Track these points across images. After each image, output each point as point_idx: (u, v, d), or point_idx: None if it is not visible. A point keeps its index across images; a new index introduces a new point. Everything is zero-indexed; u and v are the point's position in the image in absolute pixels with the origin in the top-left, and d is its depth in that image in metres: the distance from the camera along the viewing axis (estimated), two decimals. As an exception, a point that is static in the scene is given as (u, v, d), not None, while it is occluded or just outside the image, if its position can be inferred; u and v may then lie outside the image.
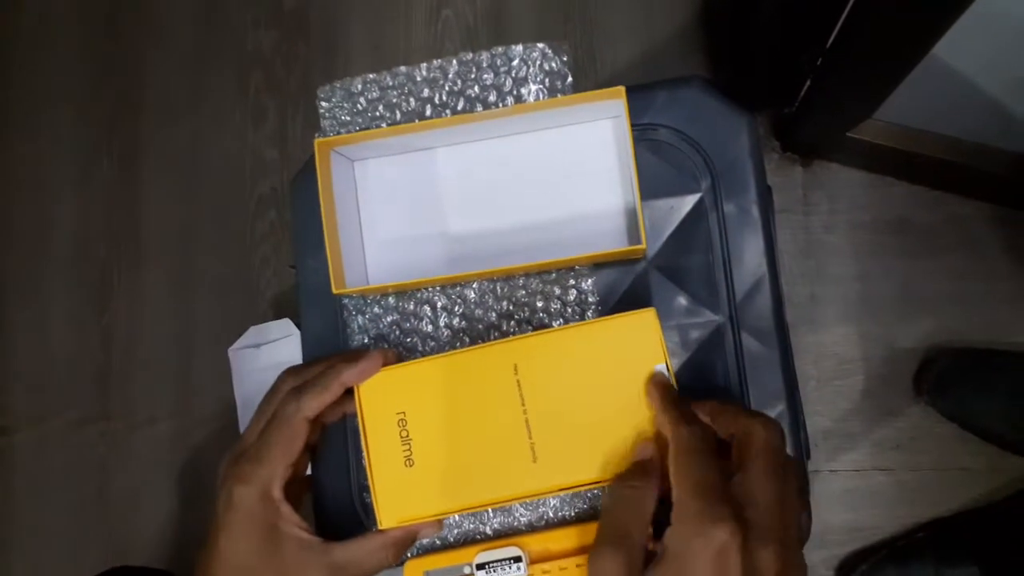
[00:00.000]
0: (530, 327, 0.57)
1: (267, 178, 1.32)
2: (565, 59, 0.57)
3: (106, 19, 1.43)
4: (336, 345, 0.60)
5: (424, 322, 0.58)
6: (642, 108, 0.57)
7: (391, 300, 0.59)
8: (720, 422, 0.42)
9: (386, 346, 0.59)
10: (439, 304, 0.59)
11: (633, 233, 0.55)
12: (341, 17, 1.33)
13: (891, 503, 1.08)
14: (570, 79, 0.57)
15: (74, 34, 1.44)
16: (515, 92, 0.58)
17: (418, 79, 0.59)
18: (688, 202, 0.57)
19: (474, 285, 0.58)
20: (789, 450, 0.55)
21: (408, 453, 0.46)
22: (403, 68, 0.59)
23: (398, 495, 0.46)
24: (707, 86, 0.58)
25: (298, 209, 0.62)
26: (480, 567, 0.53)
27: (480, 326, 0.58)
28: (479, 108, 0.58)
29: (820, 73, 0.94)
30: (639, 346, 0.45)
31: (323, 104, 0.60)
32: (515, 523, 0.56)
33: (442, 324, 0.58)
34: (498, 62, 0.58)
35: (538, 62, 0.58)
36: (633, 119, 0.56)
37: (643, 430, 0.44)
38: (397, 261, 0.58)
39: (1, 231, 1.43)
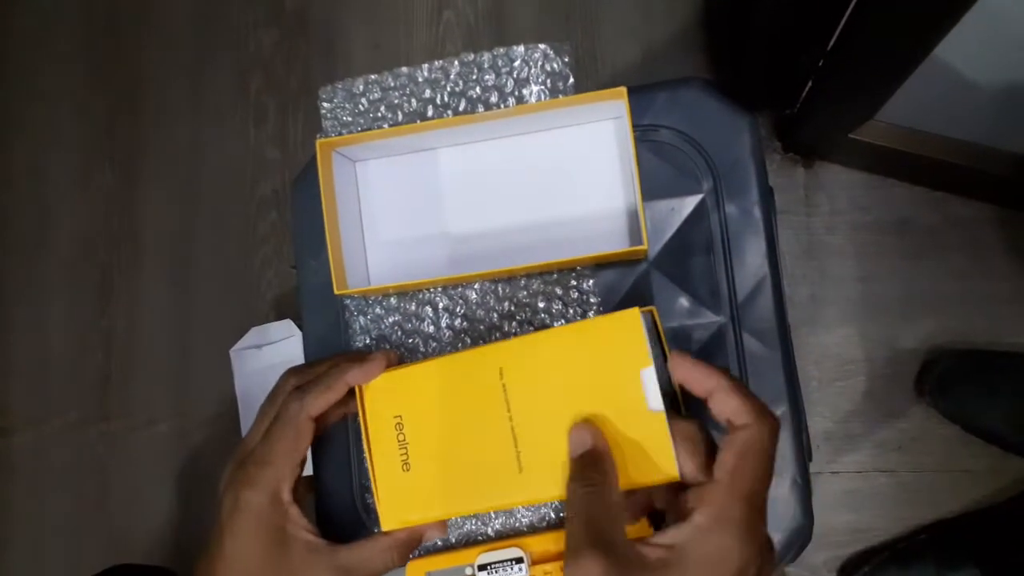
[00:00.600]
0: (531, 328, 0.57)
1: (268, 179, 1.32)
2: (567, 60, 0.57)
3: (106, 19, 1.43)
4: (338, 346, 0.60)
5: (426, 323, 0.58)
6: (643, 109, 0.57)
7: (393, 301, 0.59)
8: (721, 401, 0.38)
9: (388, 347, 0.59)
10: (441, 305, 0.58)
11: (635, 234, 0.55)
12: (342, 17, 1.33)
13: (893, 504, 1.08)
14: (572, 80, 0.57)
15: (74, 35, 1.44)
16: (517, 93, 0.58)
17: (420, 80, 0.59)
18: (690, 203, 0.57)
19: (476, 286, 0.58)
20: (791, 453, 0.54)
21: (405, 457, 0.45)
22: (405, 69, 0.59)
23: (399, 497, 0.45)
24: (708, 87, 0.58)
25: (299, 210, 0.62)
26: (482, 568, 0.52)
27: (482, 327, 0.58)
28: (481, 109, 0.58)
29: (821, 74, 0.94)
30: (623, 347, 0.41)
31: (325, 105, 0.60)
32: (517, 524, 0.56)
33: (444, 325, 0.58)
34: (500, 63, 0.58)
35: (540, 63, 0.57)
36: (634, 120, 0.56)
37: (630, 437, 0.41)
38: (399, 262, 0.58)
39: (1, 232, 1.43)
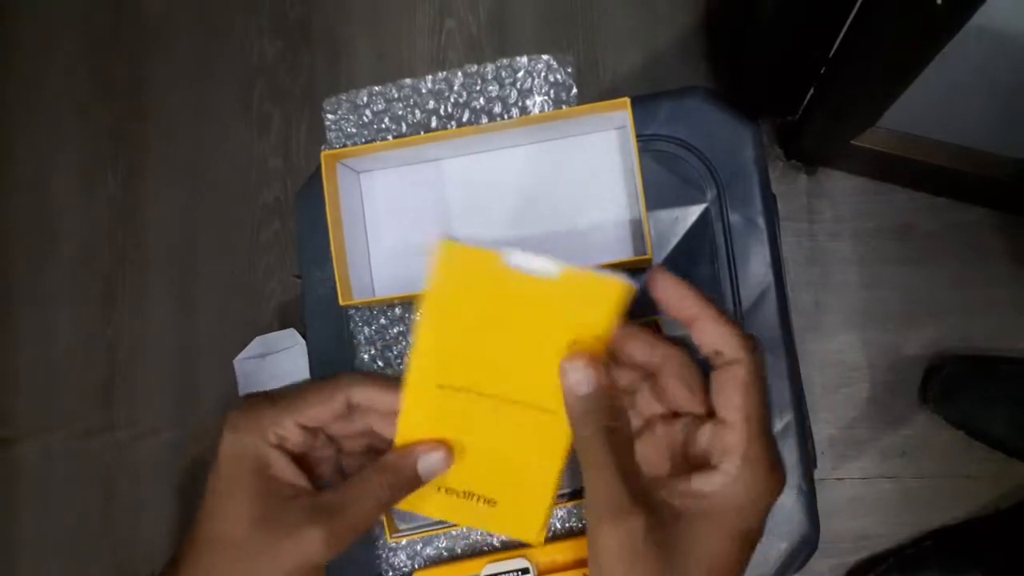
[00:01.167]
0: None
1: (271, 187, 1.33)
2: (570, 70, 0.58)
3: (111, 29, 1.43)
4: (343, 356, 0.60)
5: (430, 333, 0.59)
6: (647, 119, 0.57)
7: (397, 311, 0.59)
8: (707, 331, 0.34)
9: (393, 354, 0.59)
10: (445, 315, 0.59)
11: (639, 243, 0.55)
12: (345, 27, 1.33)
13: (897, 511, 1.08)
14: (575, 90, 0.58)
15: (79, 44, 1.44)
16: (520, 104, 0.58)
17: (423, 91, 0.59)
18: (693, 212, 0.57)
19: (480, 296, 0.58)
20: (797, 461, 0.55)
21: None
22: (408, 80, 0.59)
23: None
24: (711, 96, 0.58)
25: (304, 221, 0.62)
26: (488, 579, 0.53)
27: (486, 337, 0.58)
28: (484, 120, 0.59)
29: (824, 81, 0.94)
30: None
31: (329, 116, 0.60)
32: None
33: (448, 335, 0.58)
34: (503, 74, 0.58)
35: (543, 74, 0.58)
36: (638, 130, 0.56)
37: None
38: (403, 272, 0.59)
39: (6, 242, 1.43)
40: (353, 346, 0.60)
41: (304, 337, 1.08)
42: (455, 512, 0.39)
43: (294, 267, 1.29)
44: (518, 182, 0.57)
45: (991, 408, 1.03)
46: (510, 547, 0.56)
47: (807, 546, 0.54)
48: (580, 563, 0.53)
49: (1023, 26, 0.71)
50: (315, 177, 0.61)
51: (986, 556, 1.00)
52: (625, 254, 0.55)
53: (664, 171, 0.57)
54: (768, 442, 0.33)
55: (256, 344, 1.18)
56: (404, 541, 0.56)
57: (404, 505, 0.38)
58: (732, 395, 0.32)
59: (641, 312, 0.56)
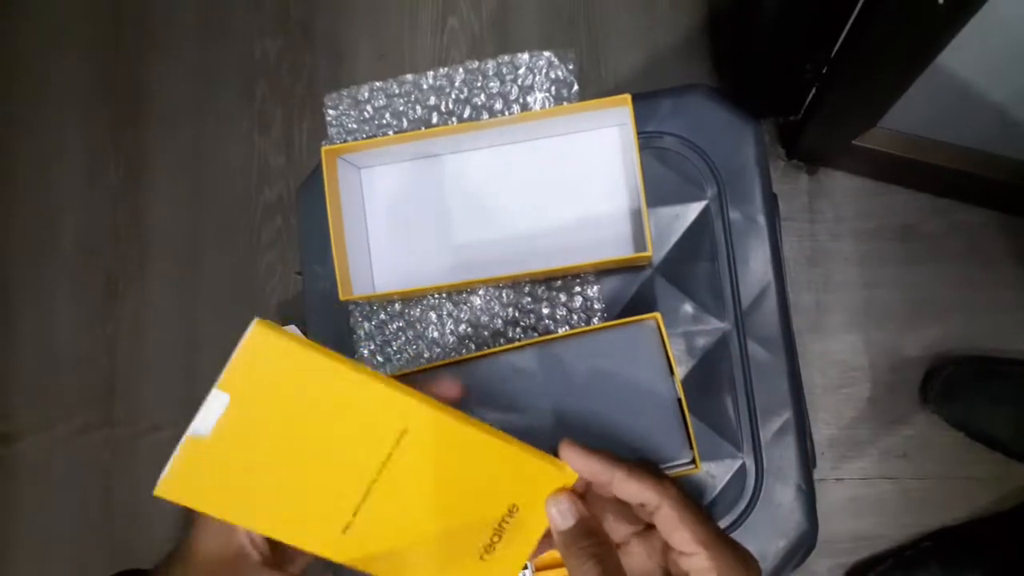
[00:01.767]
0: (535, 333, 0.57)
1: (273, 185, 1.33)
2: (571, 67, 0.58)
3: (114, 25, 1.43)
4: (343, 352, 0.60)
5: (430, 328, 0.59)
6: (648, 116, 0.57)
7: (397, 306, 0.59)
8: (620, 490, 0.36)
9: (392, 350, 0.59)
10: (445, 311, 0.59)
11: (639, 240, 0.55)
12: (347, 26, 1.34)
13: (897, 512, 1.08)
14: (576, 87, 0.58)
15: (82, 41, 1.45)
16: (521, 100, 0.58)
17: (424, 87, 0.59)
18: (694, 209, 0.57)
19: (480, 292, 0.58)
20: (796, 460, 0.55)
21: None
22: (410, 76, 0.59)
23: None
24: (713, 94, 0.58)
25: (305, 216, 0.62)
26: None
27: (486, 332, 0.58)
28: (485, 116, 0.59)
29: (825, 81, 0.94)
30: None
31: (330, 112, 0.60)
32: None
33: (448, 331, 0.58)
34: (504, 70, 0.58)
35: (544, 70, 0.58)
36: (639, 127, 0.56)
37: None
38: (403, 268, 0.59)
39: (7, 237, 1.43)
40: (353, 341, 0.60)
41: (305, 334, 1.08)
42: None
43: (295, 265, 1.29)
44: (519, 178, 0.57)
45: (992, 409, 1.02)
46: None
47: (805, 543, 0.54)
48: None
49: (1025, 25, 0.71)
50: (317, 172, 0.61)
51: (986, 558, 1.00)
52: (625, 251, 0.55)
53: (665, 168, 0.57)
54: (729, 545, 0.35)
55: (257, 341, 1.18)
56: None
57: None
58: (677, 533, 0.35)
59: (640, 309, 0.56)
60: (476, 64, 0.58)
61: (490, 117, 0.58)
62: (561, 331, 0.57)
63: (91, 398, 1.36)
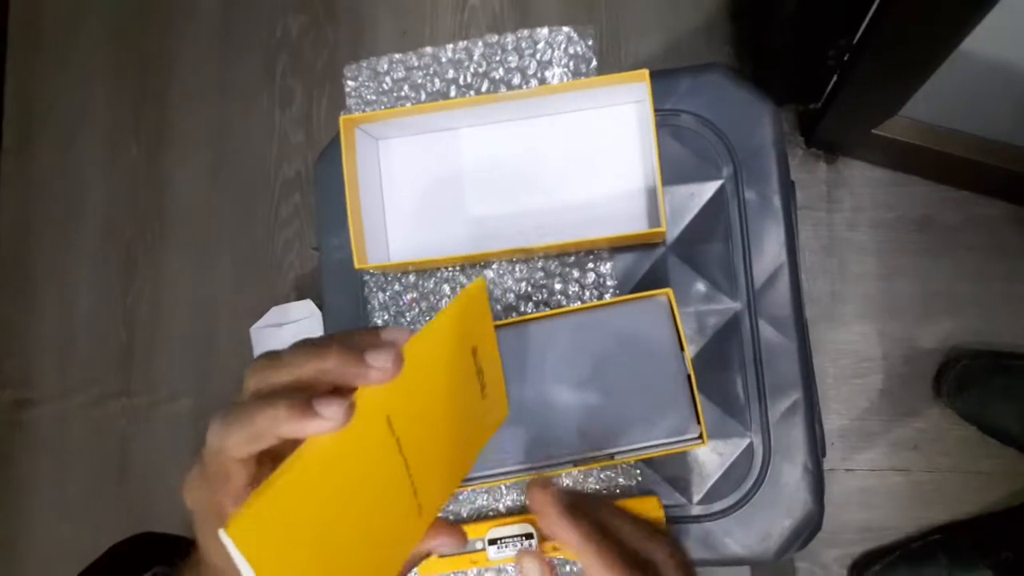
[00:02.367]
0: (547, 308, 0.57)
1: (292, 161, 1.34)
2: (590, 43, 0.58)
3: (138, 1, 1.45)
4: (357, 322, 0.61)
5: (444, 300, 0.59)
6: (665, 93, 0.57)
7: (411, 278, 0.60)
8: (626, 537, 0.37)
9: (406, 322, 0.59)
10: (459, 283, 0.59)
11: (653, 217, 0.55)
12: (369, 3, 1.34)
13: (906, 504, 1.08)
14: (594, 63, 0.58)
15: (106, 16, 1.46)
16: (539, 75, 0.58)
17: (443, 60, 0.59)
18: (709, 188, 0.57)
19: (494, 265, 0.59)
20: (803, 440, 0.55)
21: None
22: (429, 49, 0.59)
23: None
24: (731, 73, 0.58)
25: (322, 187, 0.63)
26: (492, 542, 0.53)
27: (499, 306, 0.58)
28: (503, 90, 0.59)
29: (847, 68, 0.93)
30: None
31: (349, 83, 0.61)
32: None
33: (461, 303, 0.59)
34: (523, 45, 0.58)
35: (563, 45, 0.58)
36: (656, 104, 0.56)
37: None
38: (418, 239, 0.59)
39: (30, 210, 1.45)
40: (368, 311, 0.61)
41: (320, 308, 1.09)
42: None
43: (312, 240, 1.30)
44: (535, 153, 0.57)
45: (1006, 404, 1.02)
46: (515, 512, 0.56)
47: (811, 524, 0.54)
48: (584, 531, 0.54)
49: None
50: (334, 144, 0.61)
51: (995, 552, 0.99)
52: (639, 227, 0.55)
53: (681, 146, 0.57)
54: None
55: (273, 313, 1.19)
56: None
57: None
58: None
59: (653, 286, 0.56)
60: (495, 38, 0.58)
61: (508, 91, 0.58)
62: (574, 306, 0.57)
63: (109, 368, 1.38)
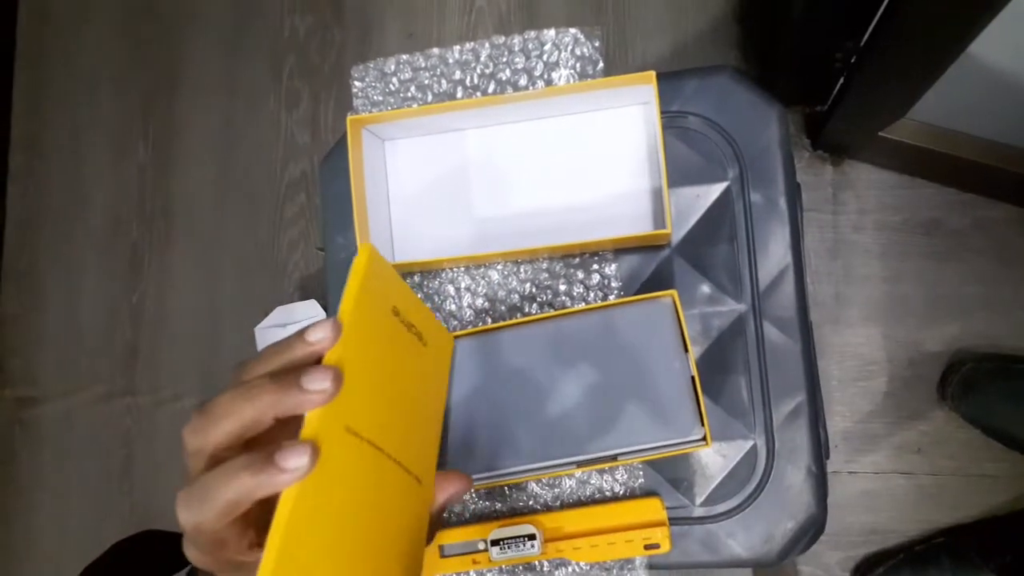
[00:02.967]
0: (552, 309, 0.58)
1: (298, 162, 1.34)
2: (597, 44, 0.58)
3: (145, 1, 1.45)
4: (361, 321, 0.61)
5: (448, 301, 0.59)
6: (672, 95, 0.57)
7: (416, 278, 0.60)
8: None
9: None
10: (463, 284, 0.59)
11: (659, 218, 0.55)
12: (376, 5, 1.34)
13: (910, 507, 1.07)
14: (601, 64, 0.58)
15: (113, 15, 1.46)
16: (546, 76, 0.59)
17: (450, 61, 0.60)
18: (715, 190, 0.57)
19: (499, 266, 0.59)
20: (807, 442, 0.55)
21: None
22: (436, 50, 0.59)
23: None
24: (738, 75, 0.58)
25: (328, 187, 0.63)
26: (495, 543, 0.53)
27: (503, 307, 0.58)
28: (510, 91, 0.59)
29: (854, 70, 0.93)
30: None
31: (356, 83, 0.61)
32: (531, 502, 0.56)
33: (465, 304, 0.59)
34: (530, 46, 0.58)
35: (570, 47, 0.58)
36: (663, 106, 0.56)
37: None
38: (424, 240, 0.59)
39: (37, 208, 1.46)
40: (372, 311, 0.61)
41: (325, 308, 1.09)
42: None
43: (318, 241, 1.30)
44: (540, 154, 0.58)
45: (1010, 407, 1.02)
46: (518, 513, 0.56)
47: (814, 526, 0.54)
48: (586, 532, 0.54)
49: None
50: (341, 145, 0.62)
51: (999, 557, 0.99)
52: (644, 228, 0.55)
53: (687, 148, 0.57)
54: None
55: (277, 314, 1.20)
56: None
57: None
58: None
59: (657, 288, 0.56)
60: (502, 39, 0.58)
61: (514, 92, 0.58)
62: (578, 307, 0.57)
63: (114, 366, 1.38)
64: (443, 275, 0.60)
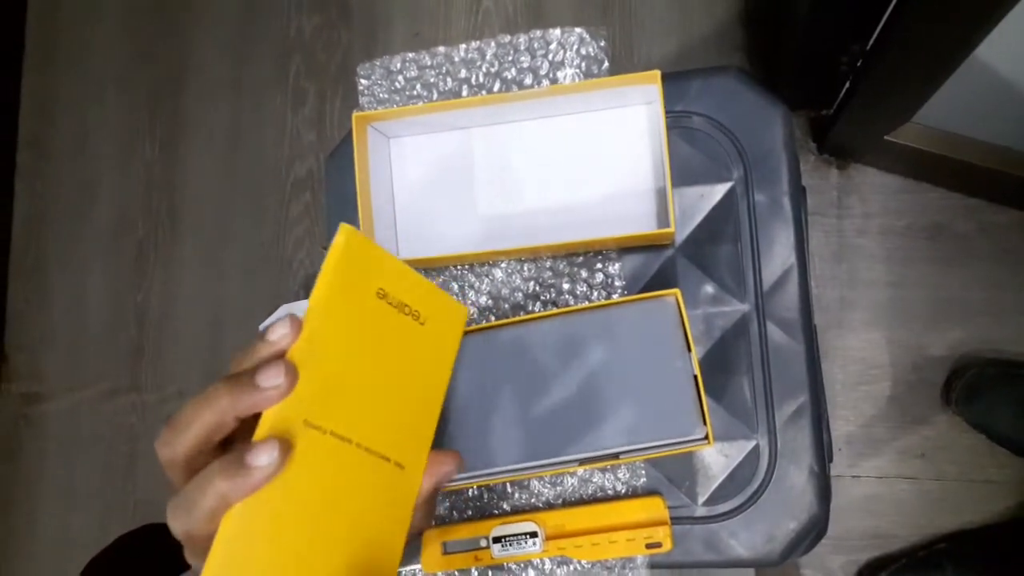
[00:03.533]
0: (555, 307, 0.58)
1: (304, 161, 1.35)
2: (602, 44, 0.58)
3: (153, 0, 1.46)
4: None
5: (452, 299, 0.59)
6: (677, 95, 0.57)
7: (420, 276, 0.60)
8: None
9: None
10: (467, 282, 0.59)
11: (663, 218, 0.55)
12: (383, 6, 1.35)
13: (913, 512, 1.07)
14: (606, 64, 0.58)
15: (121, 15, 1.47)
16: (551, 75, 0.59)
17: (456, 60, 0.60)
18: (719, 190, 0.57)
19: (503, 264, 0.59)
20: (810, 443, 0.55)
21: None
22: (442, 48, 0.60)
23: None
24: (743, 75, 0.58)
25: (333, 184, 0.63)
26: (496, 540, 0.53)
27: (507, 305, 0.59)
28: (515, 90, 0.59)
29: (859, 74, 0.93)
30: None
31: (362, 81, 0.61)
32: (533, 499, 0.56)
33: (469, 302, 0.59)
34: (535, 45, 0.59)
35: (575, 46, 0.58)
36: (667, 106, 0.57)
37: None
38: (428, 237, 0.59)
39: (44, 206, 1.47)
40: (376, 308, 0.61)
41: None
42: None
43: (323, 239, 1.31)
44: (545, 153, 0.58)
45: (1015, 413, 1.01)
46: (519, 511, 0.56)
47: (816, 527, 0.54)
48: (588, 531, 0.54)
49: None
50: (346, 142, 0.62)
51: (1002, 563, 0.99)
52: (648, 227, 0.55)
53: (691, 148, 0.57)
54: None
55: (282, 311, 1.18)
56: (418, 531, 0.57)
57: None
58: None
59: (661, 287, 0.56)
60: (508, 38, 0.59)
61: (520, 91, 0.59)
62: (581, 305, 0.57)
63: (119, 363, 1.39)
64: (447, 272, 0.60)
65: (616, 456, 0.48)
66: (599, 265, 0.58)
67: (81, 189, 1.45)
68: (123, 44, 1.46)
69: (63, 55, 1.50)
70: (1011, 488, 1.05)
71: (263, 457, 0.30)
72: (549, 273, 0.58)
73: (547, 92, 0.53)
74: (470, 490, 0.57)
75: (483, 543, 0.54)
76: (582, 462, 0.49)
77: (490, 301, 0.59)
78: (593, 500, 0.56)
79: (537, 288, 0.58)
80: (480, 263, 0.59)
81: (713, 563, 0.55)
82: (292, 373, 0.32)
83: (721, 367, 0.56)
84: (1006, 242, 1.07)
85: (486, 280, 0.59)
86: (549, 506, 0.56)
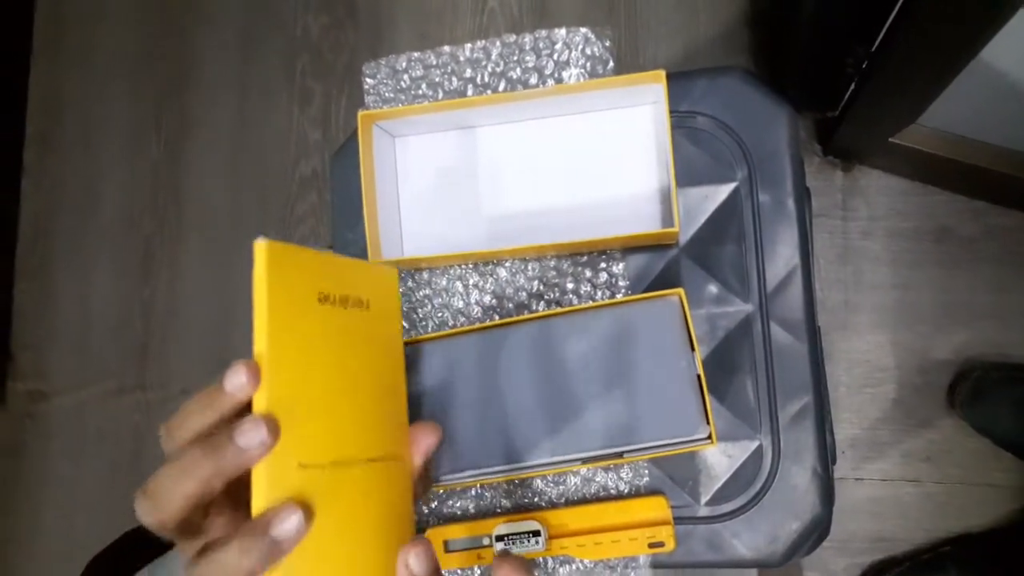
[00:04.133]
0: (558, 306, 0.58)
1: (309, 160, 1.35)
2: (607, 44, 0.58)
3: None
4: (369, 317, 0.61)
5: (456, 298, 0.60)
6: (682, 95, 0.57)
7: (424, 275, 0.60)
8: None
9: (418, 319, 0.60)
10: (471, 281, 0.60)
11: (667, 217, 0.55)
12: (389, 6, 1.35)
13: (917, 515, 1.07)
14: (611, 64, 0.58)
15: (128, 12, 1.48)
16: (557, 75, 0.59)
17: (461, 59, 0.60)
18: (723, 191, 0.57)
19: (507, 263, 0.59)
20: (813, 443, 0.55)
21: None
22: (447, 48, 0.60)
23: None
24: (748, 76, 0.58)
25: (338, 183, 0.63)
26: (500, 538, 0.54)
27: (511, 304, 0.59)
28: (520, 89, 0.59)
29: (865, 76, 0.93)
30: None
31: (368, 80, 0.61)
32: (536, 498, 0.56)
33: (473, 301, 0.59)
34: (541, 45, 0.59)
35: (580, 46, 0.58)
36: (672, 106, 0.57)
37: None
38: (433, 236, 0.60)
39: (51, 203, 1.47)
40: (380, 307, 0.61)
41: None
42: None
43: (328, 239, 1.31)
44: (550, 152, 0.58)
45: (1020, 417, 1.01)
46: (522, 509, 0.56)
47: (819, 528, 0.54)
48: (590, 530, 0.54)
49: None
50: (352, 141, 0.62)
51: (1006, 567, 0.99)
52: (653, 227, 0.55)
53: (696, 148, 0.57)
54: None
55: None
56: (419, 501, 0.57)
57: None
58: None
59: (665, 287, 0.57)
60: (513, 38, 0.59)
61: (525, 90, 0.59)
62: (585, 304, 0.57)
63: (125, 361, 1.39)
64: (451, 272, 0.60)
65: (619, 455, 0.48)
66: (603, 265, 0.58)
67: (87, 187, 1.45)
68: (130, 43, 1.47)
69: (70, 53, 1.50)
70: (1015, 492, 1.05)
71: (283, 527, 0.29)
72: (553, 272, 0.58)
73: (552, 92, 0.53)
74: (473, 489, 0.57)
75: (486, 542, 0.54)
76: (585, 461, 0.49)
77: (494, 300, 0.59)
78: (596, 499, 0.56)
79: (541, 287, 0.58)
80: (484, 262, 0.59)
81: (715, 563, 0.55)
82: (271, 423, 0.31)
83: (725, 367, 0.56)
84: (1012, 245, 1.07)
85: (490, 279, 0.59)
86: (552, 505, 0.56)
